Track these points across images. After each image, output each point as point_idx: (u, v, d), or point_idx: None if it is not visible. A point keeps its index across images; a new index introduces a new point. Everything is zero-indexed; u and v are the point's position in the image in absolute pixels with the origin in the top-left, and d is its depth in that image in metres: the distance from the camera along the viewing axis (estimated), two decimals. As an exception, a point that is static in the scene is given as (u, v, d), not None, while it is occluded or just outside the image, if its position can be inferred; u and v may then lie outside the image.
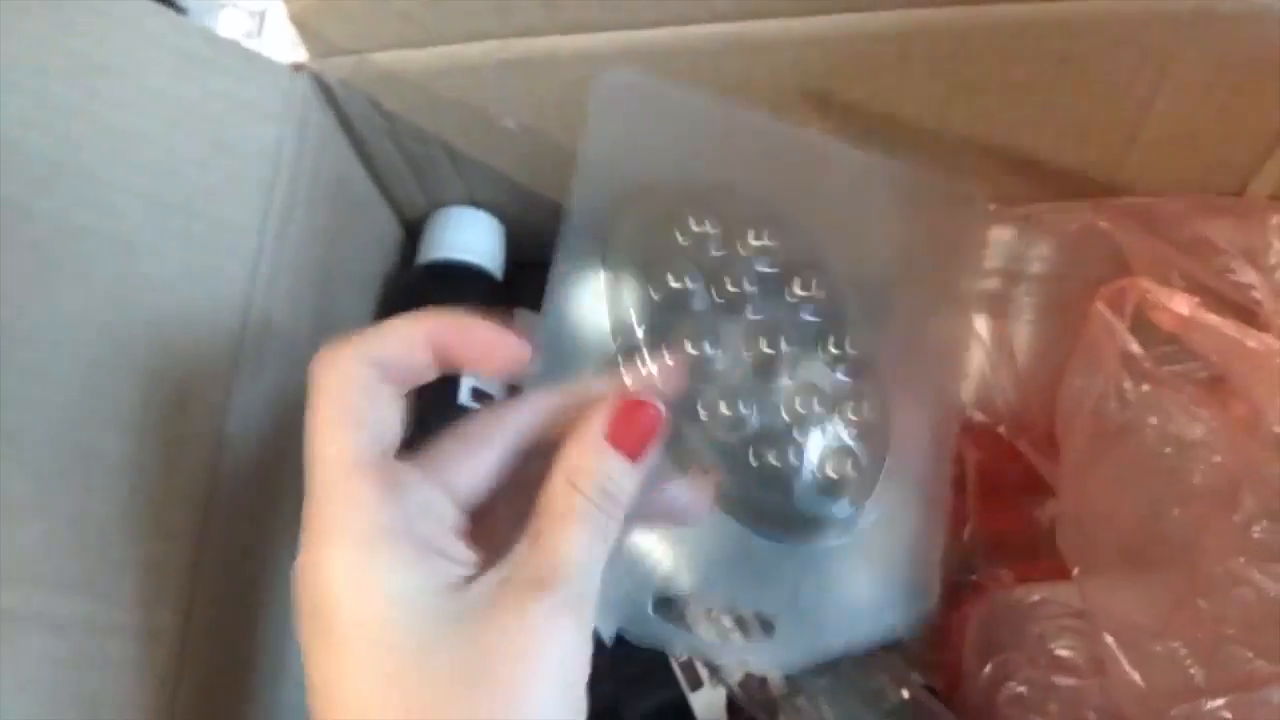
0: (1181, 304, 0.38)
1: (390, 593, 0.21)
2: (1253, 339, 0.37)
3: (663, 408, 0.25)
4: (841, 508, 0.32)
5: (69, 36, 0.31)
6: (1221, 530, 0.34)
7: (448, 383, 0.44)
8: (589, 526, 0.23)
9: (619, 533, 0.24)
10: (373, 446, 0.23)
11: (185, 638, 0.31)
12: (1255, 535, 0.34)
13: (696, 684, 0.41)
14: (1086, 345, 0.39)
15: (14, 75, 0.30)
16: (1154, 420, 0.36)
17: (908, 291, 0.35)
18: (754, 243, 0.32)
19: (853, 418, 0.32)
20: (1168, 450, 0.36)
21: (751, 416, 0.31)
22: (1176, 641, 0.33)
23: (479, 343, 0.25)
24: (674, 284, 0.31)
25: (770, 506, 0.31)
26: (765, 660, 0.32)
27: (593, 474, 0.24)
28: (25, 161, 0.30)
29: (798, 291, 0.32)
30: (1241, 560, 0.34)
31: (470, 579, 0.23)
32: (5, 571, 0.27)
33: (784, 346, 0.31)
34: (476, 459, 0.26)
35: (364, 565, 0.21)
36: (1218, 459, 0.35)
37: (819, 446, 0.31)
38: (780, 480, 0.31)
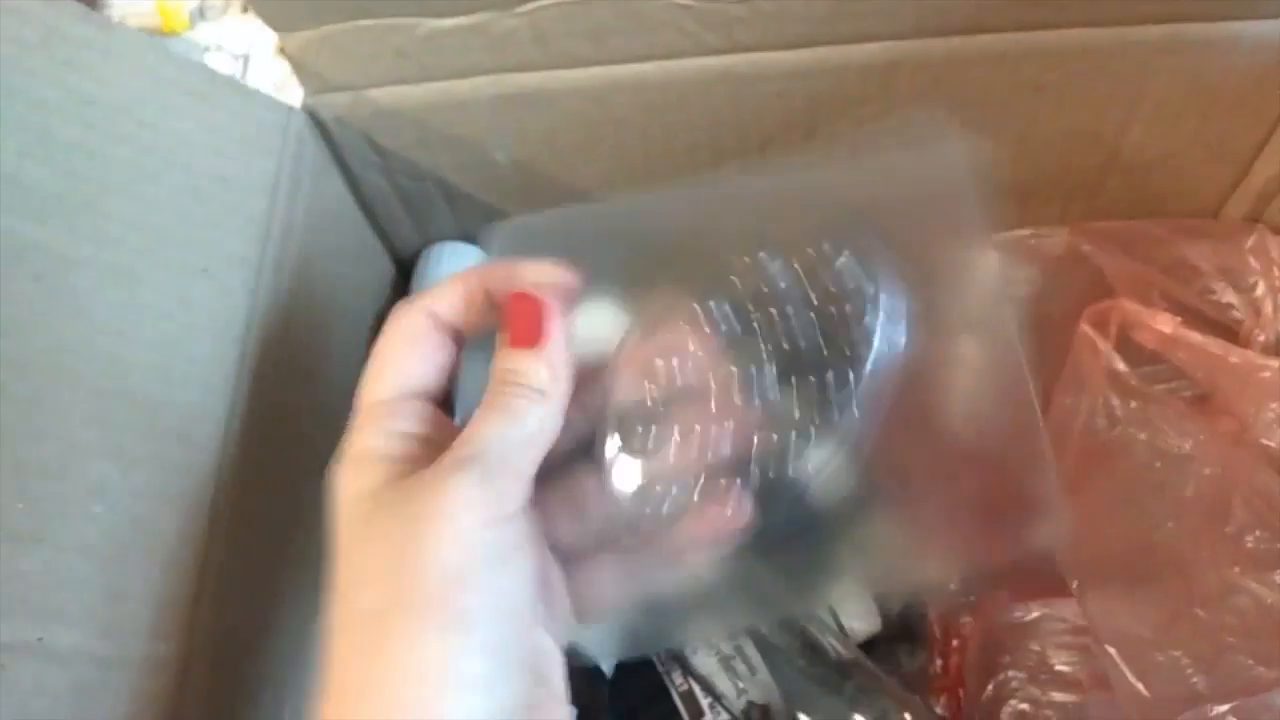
0: (1164, 323, 0.39)
1: (355, 489, 0.26)
2: (1236, 355, 0.38)
3: (543, 297, 0.27)
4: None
5: (68, 72, 0.32)
6: (1215, 541, 0.35)
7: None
8: (497, 407, 0.26)
9: (547, 420, 0.27)
10: (396, 388, 0.28)
11: (186, 669, 0.31)
12: (1248, 545, 0.34)
13: (698, 714, 0.41)
14: (1073, 365, 0.40)
15: (14, 110, 0.30)
16: (1143, 436, 0.37)
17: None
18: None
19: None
20: (1158, 465, 0.37)
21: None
22: (1178, 651, 0.33)
23: (529, 281, 0.28)
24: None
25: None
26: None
27: (501, 372, 0.27)
28: (25, 194, 0.30)
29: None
30: (1236, 570, 0.34)
31: None
32: (5, 603, 0.27)
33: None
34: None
35: (346, 473, 0.27)
36: (1208, 471, 0.36)
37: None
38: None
